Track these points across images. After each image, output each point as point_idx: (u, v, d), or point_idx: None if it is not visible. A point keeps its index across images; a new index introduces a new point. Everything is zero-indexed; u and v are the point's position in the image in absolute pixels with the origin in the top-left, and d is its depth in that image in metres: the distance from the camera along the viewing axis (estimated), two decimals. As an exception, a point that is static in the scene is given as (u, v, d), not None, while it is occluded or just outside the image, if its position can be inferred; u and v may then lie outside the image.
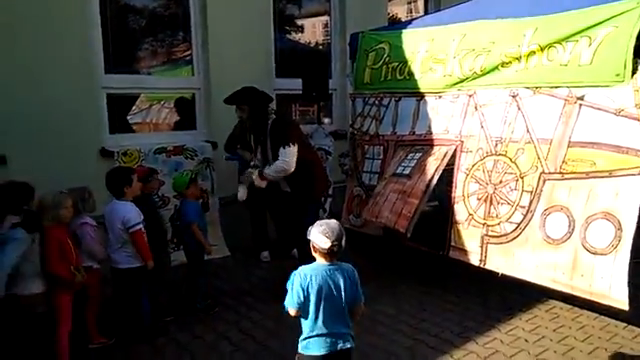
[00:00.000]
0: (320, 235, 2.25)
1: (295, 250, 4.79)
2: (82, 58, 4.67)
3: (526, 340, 3.45)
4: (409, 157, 4.50)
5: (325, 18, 6.93)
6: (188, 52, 5.65)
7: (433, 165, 4.23)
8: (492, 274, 3.83)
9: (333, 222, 2.31)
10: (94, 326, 3.44)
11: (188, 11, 5.52)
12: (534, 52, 3.66)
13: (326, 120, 6.73)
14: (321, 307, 2.26)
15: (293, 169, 4.02)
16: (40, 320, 2.99)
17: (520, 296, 4.04)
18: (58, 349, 3.10)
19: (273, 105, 4.61)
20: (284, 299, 2.33)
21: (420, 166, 4.33)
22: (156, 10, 5.59)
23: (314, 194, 4.29)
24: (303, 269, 2.32)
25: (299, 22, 6.91)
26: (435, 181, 4.18)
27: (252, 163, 4.37)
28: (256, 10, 5.84)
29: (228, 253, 5.24)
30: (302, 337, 2.34)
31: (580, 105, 3.44)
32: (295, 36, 6.88)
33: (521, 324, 3.68)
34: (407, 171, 4.41)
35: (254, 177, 4.15)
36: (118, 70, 5.15)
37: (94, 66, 4.82)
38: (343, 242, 2.29)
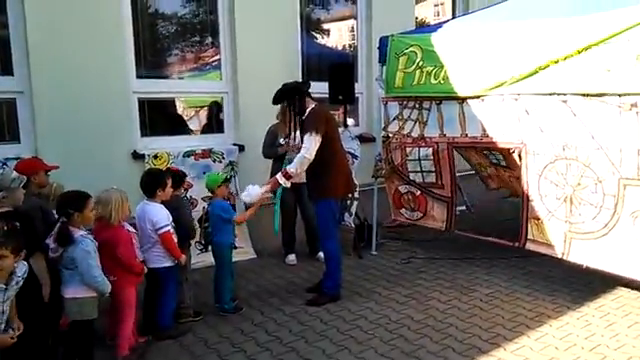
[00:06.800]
0: None
1: (321, 253, 4.80)
2: (114, 63, 4.79)
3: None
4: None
5: (352, 22, 6.94)
6: (216, 57, 5.74)
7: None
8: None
9: None
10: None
11: (216, 17, 5.61)
12: (572, 55, 3.57)
13: (350, 121, 6.69)
14: None
15: (312, 158, 3.80)
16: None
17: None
18: (122, 342, 3.21)
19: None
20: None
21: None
22: (185, 16, 5.70)
23: (325, 191, 3.99)
24: None
25: (326, 26, 6.93)
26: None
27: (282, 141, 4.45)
28: (283, 15, 5.89)
29: (254, 255, 5.28)
30: None
31: (637, 113, 3.37)
32: (322, 40, 6.91)
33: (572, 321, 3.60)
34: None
35: (278, 176, 3.94)
36: (149, 75, 5.27)
37: (126, 71, 4.93)
38: None
